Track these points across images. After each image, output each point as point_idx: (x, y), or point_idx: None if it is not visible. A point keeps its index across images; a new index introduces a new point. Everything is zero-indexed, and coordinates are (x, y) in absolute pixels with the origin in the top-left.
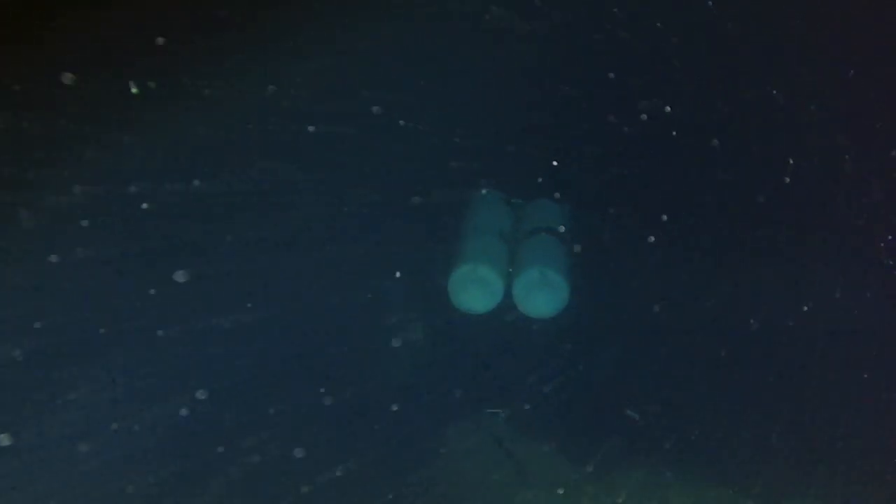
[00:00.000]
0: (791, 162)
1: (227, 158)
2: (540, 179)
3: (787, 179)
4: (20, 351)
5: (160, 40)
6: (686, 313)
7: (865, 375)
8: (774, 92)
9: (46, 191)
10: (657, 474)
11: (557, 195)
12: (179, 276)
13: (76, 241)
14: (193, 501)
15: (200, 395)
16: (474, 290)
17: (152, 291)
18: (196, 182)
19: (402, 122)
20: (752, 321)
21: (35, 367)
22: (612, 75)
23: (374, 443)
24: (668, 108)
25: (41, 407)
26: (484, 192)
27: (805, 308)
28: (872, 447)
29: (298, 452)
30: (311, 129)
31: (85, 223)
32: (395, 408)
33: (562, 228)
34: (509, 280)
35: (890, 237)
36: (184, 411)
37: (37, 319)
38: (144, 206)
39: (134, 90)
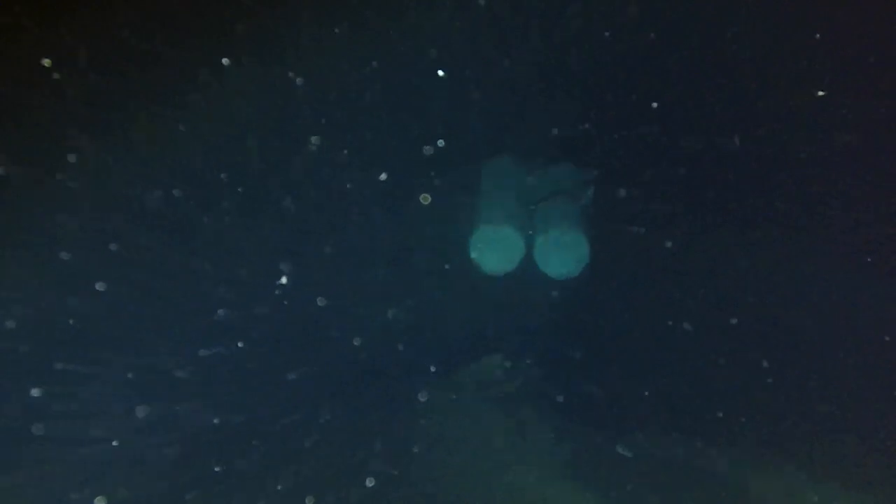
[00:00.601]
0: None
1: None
2: (558, 143)
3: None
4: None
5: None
6: (702, 285)
7: (865, 374)
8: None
9: (45, 193)
10: (663, 460)
11: (575, 158)
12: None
13: (76, 241)
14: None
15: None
16: (495, 250)
17: (151, 291)
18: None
19: (422, 90)
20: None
21: (32, 365)
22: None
23: (377, 406)
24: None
25: (37, 404)
26: (502, 156)
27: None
28: (873, 447)
29: (300, 419)
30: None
31: (84, 225)
32: (412, 369)
33: (580, 191)
34: (530, 241)
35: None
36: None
37: (36, 318)
38: (142, 205)
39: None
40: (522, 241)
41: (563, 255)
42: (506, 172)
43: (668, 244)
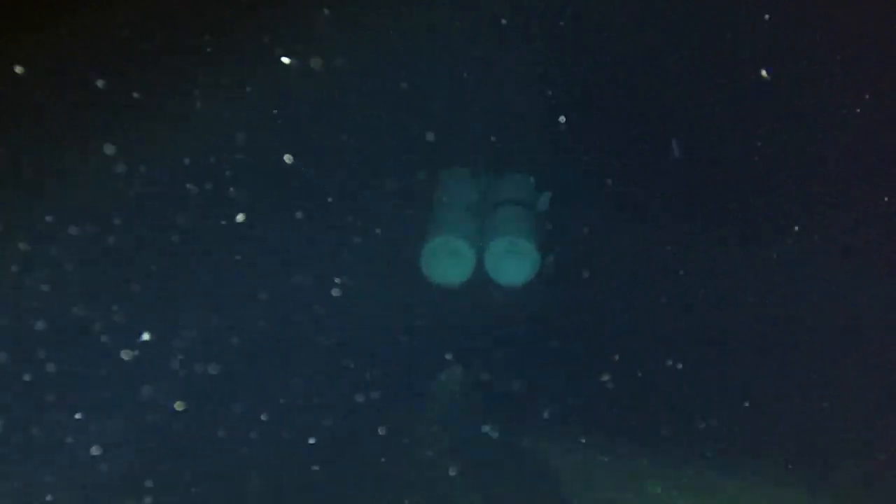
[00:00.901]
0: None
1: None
2: (508, 153)
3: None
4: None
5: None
6: (659, 282)
7: (865, 374)
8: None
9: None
10: (637, 457)
11: (525, 168)
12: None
13: (76, 241)
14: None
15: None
16: (447, 261)
17: (151, 289)
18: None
19: (372, 103)
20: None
21: (24, 366)
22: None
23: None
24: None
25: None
26: (452, 166)
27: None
28: (873, 447)
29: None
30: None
31: (85, 225)
32: (365, 378)
33: (529, 199)
34: (480, 251)
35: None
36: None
37: (35, 319)
38: (143, 205)
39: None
40: (473, 252)
41: (513, 263)
42: (459, 183)
43: (660, 246)
